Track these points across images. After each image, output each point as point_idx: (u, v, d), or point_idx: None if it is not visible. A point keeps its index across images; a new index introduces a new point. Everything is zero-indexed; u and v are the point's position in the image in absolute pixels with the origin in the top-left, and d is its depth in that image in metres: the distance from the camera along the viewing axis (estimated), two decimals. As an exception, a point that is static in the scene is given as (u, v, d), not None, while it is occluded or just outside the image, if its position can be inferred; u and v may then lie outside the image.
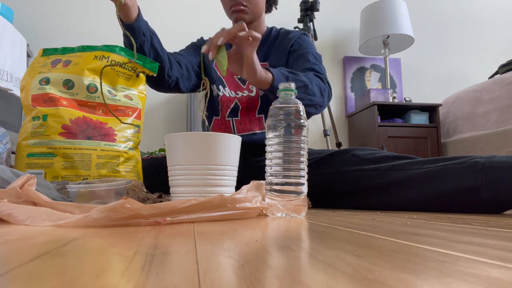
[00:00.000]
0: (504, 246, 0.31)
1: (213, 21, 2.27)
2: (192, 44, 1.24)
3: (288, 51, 1.15)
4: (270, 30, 1.21)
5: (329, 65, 2.59)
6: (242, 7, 1.07)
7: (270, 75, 0.88)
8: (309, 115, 1.02)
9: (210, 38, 0.80)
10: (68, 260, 0.26)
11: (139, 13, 0.92)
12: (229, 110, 1.14)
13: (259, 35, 0.79)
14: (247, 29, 0.78)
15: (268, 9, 1.21)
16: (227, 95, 1.15)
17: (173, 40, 2.33)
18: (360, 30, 2.48)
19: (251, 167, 1.02)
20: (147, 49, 0.96)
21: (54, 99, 0.82)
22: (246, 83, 1.14)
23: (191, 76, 1.14)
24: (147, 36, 0.95)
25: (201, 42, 1.24)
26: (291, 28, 2.34)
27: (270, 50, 1.17)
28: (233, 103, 1.14)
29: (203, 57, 1.17)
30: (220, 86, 1.16)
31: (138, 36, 0.92)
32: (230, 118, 1.13)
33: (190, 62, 1.14)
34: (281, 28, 1.22)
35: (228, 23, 1.19)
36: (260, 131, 1.12)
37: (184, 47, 1.25)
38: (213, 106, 1.18)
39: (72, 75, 0.84)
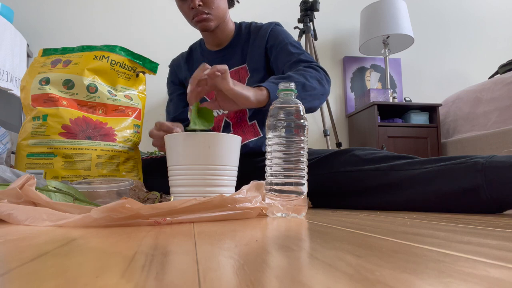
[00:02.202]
0: (504, 246, 0.31)
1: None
2: (171, 82, 1.23)
3: (265, 49, 1.09)
4: (240, 27, 1.15)
5: (329, 65, 2.59)
6: (205, 16, 1.01)
7: (265, 91, 0.83)
8: (315, 108, 0.98)
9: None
10: (68, 260, 0.26)
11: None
12: (220, 130, 1.12)
13: (225, 66, 0.74)
14: (208, 67, 0.75)
15: (231, 4, 1.13)
16: (215, 114, 1.11)
17: (168, 42, 2.33)
18: (360, 30, 2.48)
19: (250, 168, 1.02)
20: None
21: (54, 99, 0.82)
22: None
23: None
24: None
25: (174, 68, 1.23)
26: (291, 28, 2.35)
27: (245, 50, 1.12)
28: (223, 122, 1.11)
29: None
30: None
31: None
32: None
33: (184, 111, 1.16)
34: (251, 23, 1.16)
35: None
36: (254, 138, 1.08)
37: (176, 50, 1.24)
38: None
39: (72, 75, 0.84)
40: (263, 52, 1.10)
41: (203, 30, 1.06)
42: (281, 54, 1.06)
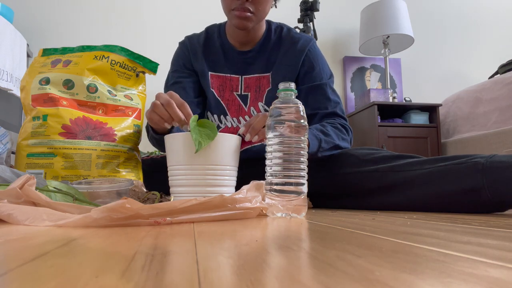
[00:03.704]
0: (504, 246, 0.31)
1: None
2: (183, 65, 1.07)
3: (298, 70, 1.02)
4: (269, 28, 1.05)
5: (329, 65, 2.59)
6: (248, 14, 0.92)
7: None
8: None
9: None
10: (68, 260, 0.26)
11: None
12: None
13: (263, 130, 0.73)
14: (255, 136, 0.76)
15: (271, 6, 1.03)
16: (229, 125, 1.04)
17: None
18: (360, 30, 2.48)
19: (255, 172, 0.99)
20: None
21: (54, 99, 0.82)
22: (247, 104, 1.04)
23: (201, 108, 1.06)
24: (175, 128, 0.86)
25: (190, 53, 1.06)
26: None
27: (272, 59, 1.03)
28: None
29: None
30: (222, 116, 1.05)
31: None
32: None
33: (199, 102, 1.05)
34: (282, 27, 1.07)
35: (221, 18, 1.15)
36: (258, 143, 1.00)
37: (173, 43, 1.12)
38: None
39: (72, 75, 0.84)
40: (295, 72, 1.02)
41: (238, 28, 0.96)
42: (318, 94, 1.01)
